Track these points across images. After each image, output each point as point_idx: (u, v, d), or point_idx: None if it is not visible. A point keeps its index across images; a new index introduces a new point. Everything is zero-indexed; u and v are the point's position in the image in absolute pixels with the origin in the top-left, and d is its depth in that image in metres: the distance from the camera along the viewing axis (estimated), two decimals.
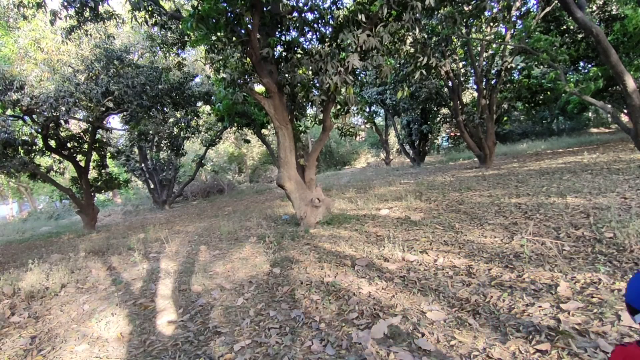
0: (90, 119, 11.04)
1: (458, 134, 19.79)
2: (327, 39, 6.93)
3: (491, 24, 10.94)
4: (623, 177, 6.61)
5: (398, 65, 12.19)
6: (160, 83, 10.73)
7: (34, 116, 10.61)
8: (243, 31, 6.20)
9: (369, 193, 9.89)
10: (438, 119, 19.47)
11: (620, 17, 10.13)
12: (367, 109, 20.92)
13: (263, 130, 15.17)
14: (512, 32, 11.42)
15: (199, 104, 14.18)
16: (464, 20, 8.87)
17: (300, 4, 7.01)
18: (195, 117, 14.28)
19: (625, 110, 11.54)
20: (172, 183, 18.14)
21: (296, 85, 7.16)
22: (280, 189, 9.24)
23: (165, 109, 12.38)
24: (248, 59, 7.00)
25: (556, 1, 9.64)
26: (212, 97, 13.37)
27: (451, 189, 8.47)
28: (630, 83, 6.75)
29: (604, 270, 3.22)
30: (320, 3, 7.04)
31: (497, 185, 8.05)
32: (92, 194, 13.06)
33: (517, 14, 11.86)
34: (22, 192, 29.59)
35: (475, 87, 14.21)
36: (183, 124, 14.40)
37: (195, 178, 20.24)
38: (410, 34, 6.98)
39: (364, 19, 5.68)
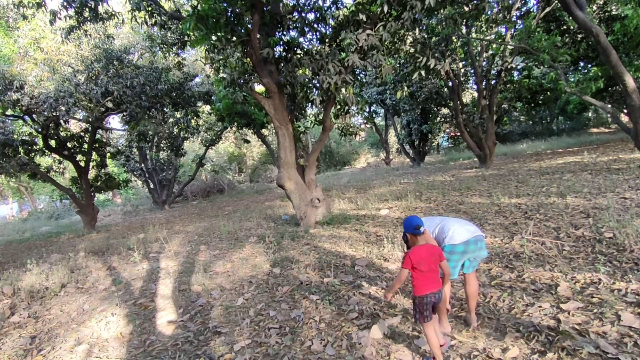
0: (90, 119, 11.04)
1: (458, 134, 19.80)
2: (327, 39, 6.93)
3: (491, 24, 10.93)
4: (623, 177, 6.61)
5: (398, 65, 12.19)
6: (160, 83, 10.72)
7: (34, 116, 10.61)
8: (243, 31, 6.20)
9: (369, 193, 9.89)
10: (438, 119, 19.48)
11: (620, 17, 10.12)
12: (367, 109, 20.92)
13: (263, 130, 15.16)
14: (512, 32, 11.42)
15: (199, 104, 14.16)
16: (464, 20, 8.87)
17: (301, 4, 7.01)
18: (195, 117, 14.26)
19: (625, 110, 11.54)
20: (172, 183, 18.13)
21: (296, 85, 7.15)
22: (280, 189, 9.23)
23: (165, 109, 12.38)
24: (248, 59, 7.00)
25: (556, 1, 9.64)
26: (212, 97, 13.36)
27: (451, 188, 8.47)
28: (630, 83, 6.74)
29: (604, 270, 3.22)
30: (321, 3, 7.03)
31: (497, 185, 8.04)
32: (92, 194, 13.07)
33: (518, 14, 11.86)
34: (23, 192, 29.60)
35: (475, 87, 14.21)
36: (183, 124, 14.39)
37: (195, 178, 20.23)
38: (410, 33, 6.97)
39: (364, 19, 5.69)
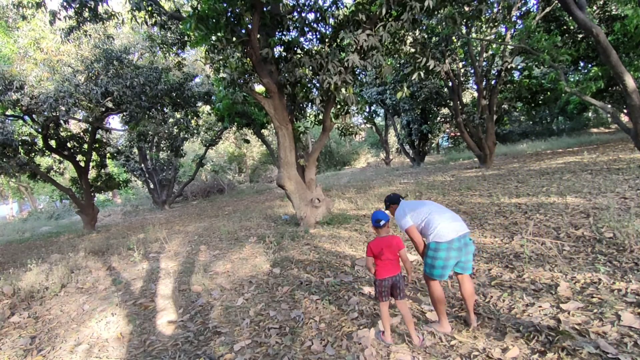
0: (90, 119, 11.03)
1: (458, 134, 19.81)
2: (327, 39, 6.93)
3: (491, 24, 10.93)
4: (623, 177, 6.61)
5: (398, 65, 12.19)
6: (160, 83, 10.71)
7: (34, 116, 10.60)
8: (243, 31, 6.20)
9: (369, 193, 9.88)
10: (438, 119, 19.48)
11: (620, 17, 10.13)
12: (367, 109, 20.91)
13: (263, 130, 15.15)
14: (512, 32, 11.42)
15: (199, 104, 14.16)
16: (464, 20, 8.89)
17: (301, 4, 7.01)
18: (195, 118, 14.27)
19: (625, 110, 11.54)
20: (172, 183, 18.14)
21: (296, 85, 7.15)
22: (280, 189, 9.24)
23: (165, 109, 12.38)
24: (248, 59, 7.00)
25: (556, 1, 9.64)
26: (212, 97, 13.36)
27: (451, 188, 8.47)
28: (630, 83, 6.74)
29: (604, 270, 3.22)
30: (321, 3, 7.04)
31: (497, 185, 8.04)
32: (92, 194, 13.07)
33: (518, 14, 11.86)
34: (23, 192, 29.59)
35: (475, 87, 14.21)
36: (183, 125, 14.39)
37: (195, 178, 20.24)
38: (410, 34, 6.97)
39: (364, 19, 5.69)
